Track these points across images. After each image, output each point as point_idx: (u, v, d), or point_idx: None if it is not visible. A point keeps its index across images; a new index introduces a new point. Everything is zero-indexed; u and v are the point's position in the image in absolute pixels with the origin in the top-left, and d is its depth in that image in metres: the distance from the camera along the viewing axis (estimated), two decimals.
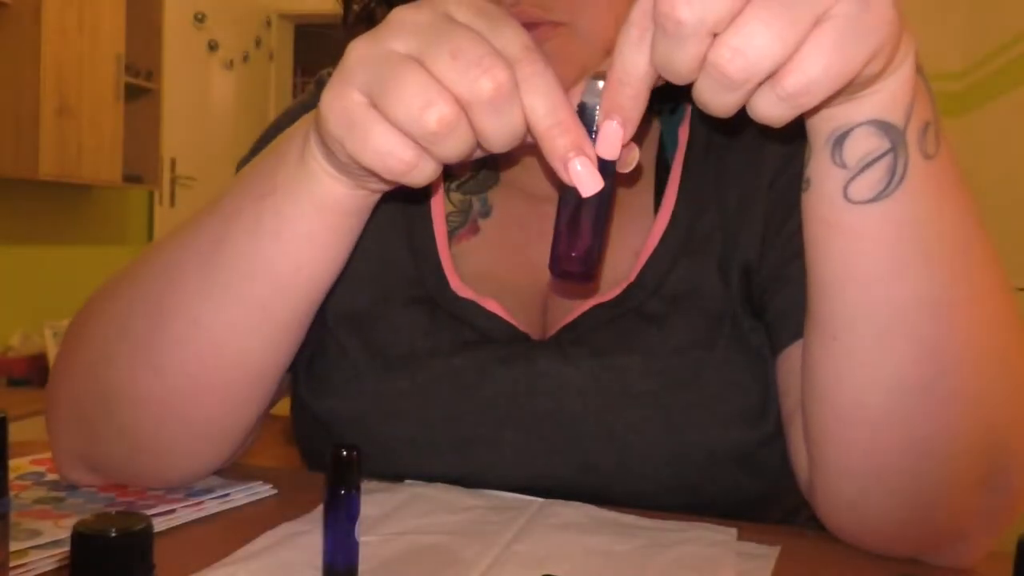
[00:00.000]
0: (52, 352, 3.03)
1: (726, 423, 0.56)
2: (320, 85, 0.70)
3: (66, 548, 0.43)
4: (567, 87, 0.55)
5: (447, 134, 0.39)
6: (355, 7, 0.66)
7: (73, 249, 3.65)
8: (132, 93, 3.49)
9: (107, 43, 3.29)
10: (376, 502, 0.53)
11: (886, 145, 0.41)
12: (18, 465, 0.59)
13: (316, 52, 5.16)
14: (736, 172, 0.61)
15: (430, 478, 0.58)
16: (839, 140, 0.42)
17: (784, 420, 0.56)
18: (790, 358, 0.55)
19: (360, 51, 0.41)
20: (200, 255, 0.51)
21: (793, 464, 0.55)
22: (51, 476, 0.57)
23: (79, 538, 0.28)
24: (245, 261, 0.50)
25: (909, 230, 0.43)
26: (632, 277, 0.59)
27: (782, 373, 0.56)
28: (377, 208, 0.50)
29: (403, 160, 0.40)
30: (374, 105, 0.40)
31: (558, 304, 0.61)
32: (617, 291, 0.59)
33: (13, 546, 0.42)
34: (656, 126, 0.66)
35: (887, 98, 0.40)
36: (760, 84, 0.35)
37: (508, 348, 0.59)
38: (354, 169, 0.44)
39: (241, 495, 0.55)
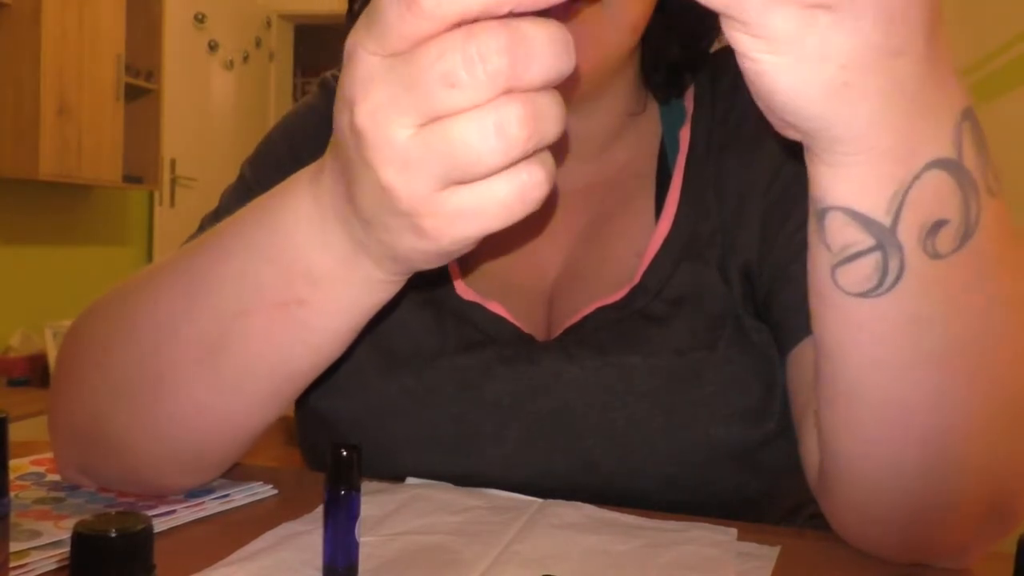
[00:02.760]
0: (52, 352, 3.04)
1: (727, 422, 0.56)
2: (324, 87, 0.70)
3: (66, 548, 0.43)
4: (594, 72, 0.56)
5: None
6: (355, 6, 0.66)
7: (73, 249, 3.65)
8: (132, 93, 3.49)
9: (107, 43, 3.29)
10: (376, 502, 0.53)
11: (869, 240, 0.35)
12: (18, 466, 0.59)
13: (316, 52, 5.17)
14: (735, 172, 0.61)
15: (433, 476, 0.58)
16: (820, 216, 0.36)
17: (796, 418, 0.56)
18: (797, 357, 0.55)
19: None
20: (205, 347, 0.47)
21: (803, 462, 0.55)
22: (51, 477, 0.57)
23: (79, 538, 0.28)
24: (259, 365, 0.47)
25: (908, 332, 0.38)
26: (636, 279, 0.60)
27: (791, 372, 0.56)
28: None
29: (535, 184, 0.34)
30: (452, 184, 0.34)
31: (562, 306, 0.62)
32: (621, 293, 0.59)
33: (13, 546, 0.42)
34: (657, 130, 0.66)
35: (858, 182, 0.34)
36: None
37: (512, 348, 0.59)
38: (418, 258, 0.39)
39: (241, 495, 0.55)
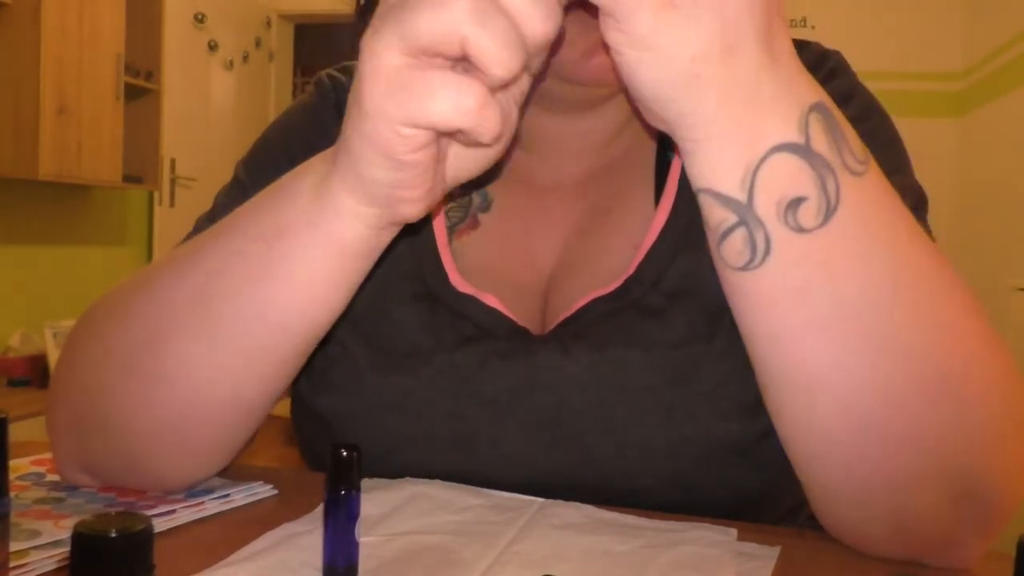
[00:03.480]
0: (52, 352, 3.04)
1: (726, 415, 0.56)
2: (319, 86, 0.70)
3: (66, 548, 0.43)
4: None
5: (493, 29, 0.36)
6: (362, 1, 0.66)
7: (73, 249, 3.65)
8: (132, 93, 3.49)
9: (107, 43, 3.29)
10: (376, 501, 0.53)
11: (732, 217, 0.40)
12: (18, 466, 0.59)
13: (316, 52, 5.17)
14: None
15: (431, 474, 0.58)
16: (697, 199, 0.42)
17: None
18: None
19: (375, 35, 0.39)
20: (194, 296, 0.49)
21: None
22: (51, 477, 0.57)
23: (79, 538, 0.28)
24: (245, 306, 0.48)
25: (792, 301, 0.42)
26: (631, 270, 0.60)
27: None
28: None
29: (474, 96, 0.37)
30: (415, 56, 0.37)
31: (558, 298, 0.62)
32: (616, 284, 0.59)
33: (13, 546, 0.42)
34: None
35: (712, 165, 0.40)
36: None
37: (508, 343, 0.59)
38: (385, 187, 0.42)
39: (241, 495, 0.55)
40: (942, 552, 0.48)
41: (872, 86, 0.62)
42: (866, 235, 0.42)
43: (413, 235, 0.61)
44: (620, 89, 0.61)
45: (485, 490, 0.57)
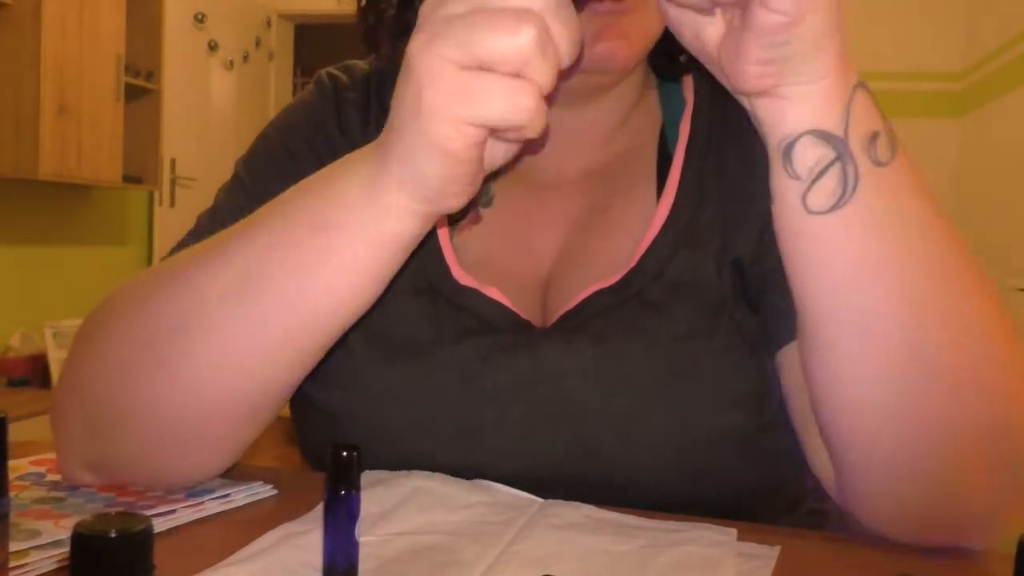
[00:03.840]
0: (52, 352, 3.04)
1: (728, 408, 0.56)
2: (319, 85, 0.70)
3: (66, 549, 0.43)
4: (637, 50, 0.58)
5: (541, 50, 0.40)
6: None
7: (73, 250, 3.65)
8: (132, 93, 3.49)
9: (107, 43, 3.29)
10: (376, 498, 0.53)
11: (831, 154, 0.44)
12: (18, 466, 0.59)
13: (316, 52, 5.17)
14: (736, 168, 0.61)
15: (433, 467, 0.58)
16: (787, 151, 0.45)
17: (797, 423, 0.56)
18: (787, 358, 0.55)
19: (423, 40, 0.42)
20: (234, 282, 0.50)
21: (814, 467, 0.56)
22: (51, 476, 0.57)
23: (79, 539, 0.28)
24: (284, 294, 0.49)
25: (872, 235, 0.45)
26: (633, 262, 0.60)
27: (784, 377, 0.56)
28: None
29: (532, 97, 0.41)
30: (472, 66, 0.41)
31: (558, 291, 0.62)
32: (618, 276, 0.60)
33: (13, 546, 0.42)
34: (657, 118, 0.66)
35: (820, 105, 0.43)
36: None
37: (511, 336, 0.59)
38: (439, 182, 0.44)
39: (241, 495, 0.55)
40: (974, 528, 0.48)
41: (872, 86, 0.63)
42: (919, 173, 0.46)
43: None
44: (621, 78, 0.61)
45: (485, 483, 0.57)
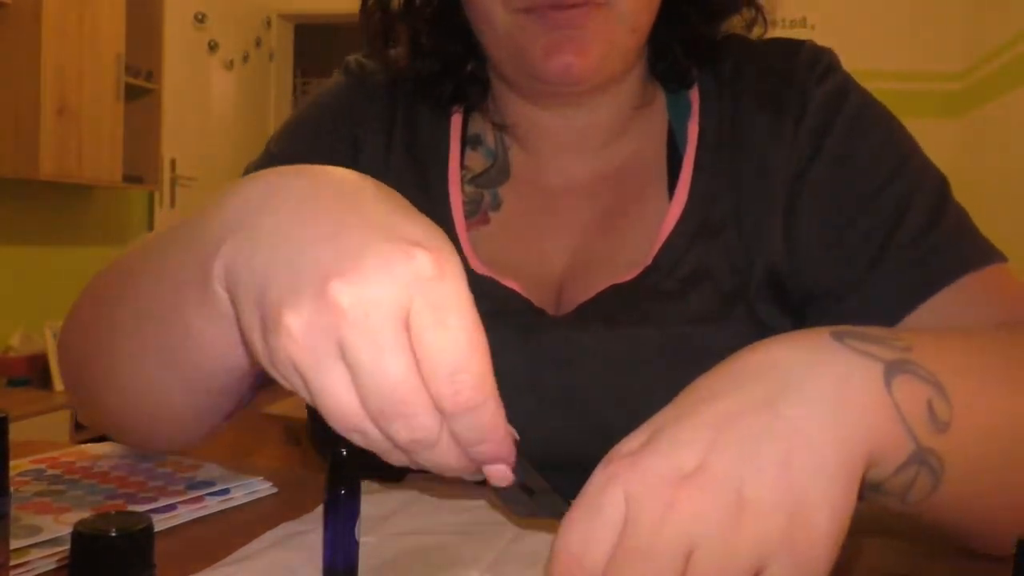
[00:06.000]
0: (52, 352, 3.03)
1: None
2: (347, 70, 0.72)
3: (66, 547, 0.43)
4: (594, 65, 0.57)
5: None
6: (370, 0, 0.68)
7: (73, 249, 3.65)
8: (132, 93, 3.49)
9: (107, 43, 3.29)
10: (376, 502, 0.53)
11: (912, 467, 0.39)
12: (18, 465, 0.59)
13: (316, 52, 5.17)
14: (747, 165, 0.62)
15: None
16: (875, 488, 0.40)
17: None
18: None
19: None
20: (131, 319, 0.48)
21: None
22: (51, 472, 0.57)
23: (79, 538, 0.28)
24: (167, 341, 0.45)
25: (974, 474, 0.41)
26: (649, 260, 0.61)
27: None
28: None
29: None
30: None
31: (574, 289, 0.62)
32: (635, 273, 0.60)
33: (13, 544, 0.42)
34: (665, 120, 0.66)
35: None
36: None
37: (525, 319, 0.60)
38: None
39: (241, 492, 0.55)
40: None
41: (872, 86, 0.63)
42: (980, 385, 0.41)
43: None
44: (594, 86, 0.61)
45: (485, 487, 0.57)
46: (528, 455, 0.58)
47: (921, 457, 0.39)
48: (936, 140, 3.69)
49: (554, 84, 0.59)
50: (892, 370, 0.37)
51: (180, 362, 0.46)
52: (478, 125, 0.69)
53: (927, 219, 0.57)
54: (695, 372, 0.57)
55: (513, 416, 0.59)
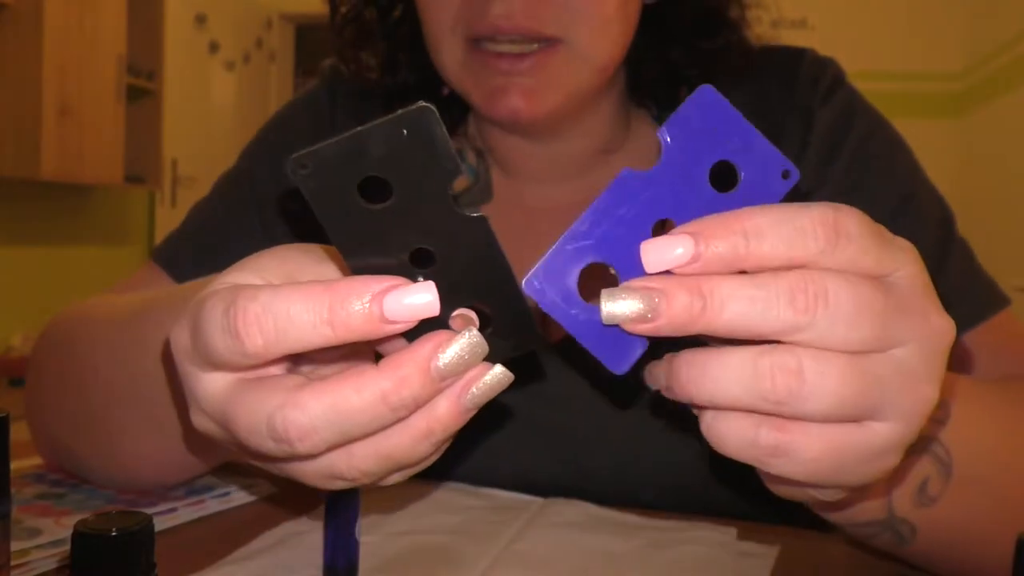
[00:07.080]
0: None
1: None
2: (321, 76, 0.71)
3: (67, 547, 0.43)
4: (547, 109, 0.55)
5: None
6: (343, 9, 0.66)
7: (74, 250, 3.65)
8: (133, 94, 3.49)
9: (108, 44, 3.29)
10: (376, 502, 0.53)
11: (879, 530, 0.41)
12: (19, 467, 0.59)
13: (317, 53, 5.16)
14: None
15: (428, 473, 0.58)
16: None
17: None
18: None
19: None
20: (120, 388, 0.50)
21: None
22: (52, 475, 0.57)
23: (80, 537, 0.28)
24: (153, 412, 0.48)
25: (950, 546, 0.43)
26: None
27: None
28: None
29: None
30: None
31: None
32: None
33: (14, 545, 0.42)
34: (653, 141, 0.66)
35: (863, 503, 0.40)
36: None
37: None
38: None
39: (241, 494, 0.55)
40: None
41: (872, 86, 0.62)
42: (978, 442, 0.42)
43: None
44: (547, 124, 0.59)
45: (485, 490, 0.57)
46: (514, 481, 0.58)
47: (893, 525, 0.40)
48: (936, 140, 3.69)
49: (502, 124, 0.57)
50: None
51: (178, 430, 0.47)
52: (460, 142, 0.68)
53: (931, 265, 0.56)
54: (680, 410, 0.56)
55: (497, 453, 0.59)
